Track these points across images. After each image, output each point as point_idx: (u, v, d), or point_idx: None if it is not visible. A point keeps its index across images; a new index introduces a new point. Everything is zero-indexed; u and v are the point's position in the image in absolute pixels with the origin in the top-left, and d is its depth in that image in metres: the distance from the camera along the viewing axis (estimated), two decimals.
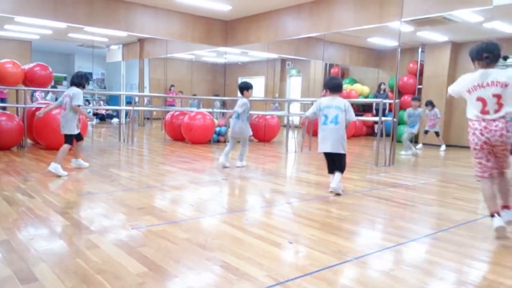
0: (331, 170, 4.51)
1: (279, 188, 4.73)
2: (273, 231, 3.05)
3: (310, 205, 3.92)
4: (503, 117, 2.98)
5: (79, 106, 5.10)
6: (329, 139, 4.33)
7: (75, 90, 5.13)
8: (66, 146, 5.09)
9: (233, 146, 5.99)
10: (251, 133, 6.11)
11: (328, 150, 4.37)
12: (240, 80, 16.50)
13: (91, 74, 14.83)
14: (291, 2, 8.61)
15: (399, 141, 8.45)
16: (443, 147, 9.83)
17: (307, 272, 2.31)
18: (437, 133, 9.71)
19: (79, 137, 5.34)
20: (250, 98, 6.00)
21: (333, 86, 4.47)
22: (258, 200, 4.17)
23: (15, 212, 3.28)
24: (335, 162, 4.44)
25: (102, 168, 5.55)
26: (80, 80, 5.26)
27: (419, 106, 8.61)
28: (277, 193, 4.36)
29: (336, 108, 4.34)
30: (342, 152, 4.37)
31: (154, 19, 9.33)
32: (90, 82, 5.37)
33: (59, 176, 4.80)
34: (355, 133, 12.70)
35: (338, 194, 4.32)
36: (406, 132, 8.49)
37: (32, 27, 10.72)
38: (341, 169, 4.44)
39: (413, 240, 2.98)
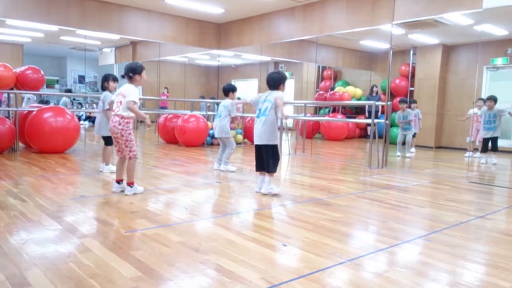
0: (258, 167, 4.47)
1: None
2: (267, 233, 3.05)
3: (304, 207, 3.93)
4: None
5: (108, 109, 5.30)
6: (258, 131, 4.34)
7: (104, 93, 5.44)
8: (107, 148, 5.43)
9: (223, 149, 5.94)
10: (230, 134, 5.85)
11: (257, 142, 4.38)
12: (234, 82, 16.52)
13: (83, 77, 14.76)
14: (284, 5, 8.64)
15: (392, 143, 8.51)
16: (413, 149, 9.20)
17: (301, 274, 2.31)
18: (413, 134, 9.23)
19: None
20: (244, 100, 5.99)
21: (268, 82, 4.40)
22: (252, 203, 4.17)
23: (7, 216, 3.26)
24: (264, 156, 4.37)
25: (95, 171, 5.52)
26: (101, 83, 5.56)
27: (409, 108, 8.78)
28: (271, 195, 4.36)
29: (268, 102, 4.31)
30: (269, 143, 4.31)
31: (147, 22, 9.31)
32: (115, 81, 5.51)
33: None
34: (348, 135, 12.75)
35: (274, 194, 4.35)
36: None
37: (24, 30, 10.64)
38: (269, 168, 4.34)
39: (406, 241, 3.00)
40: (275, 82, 4.36)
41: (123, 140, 4.10)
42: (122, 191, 4.25)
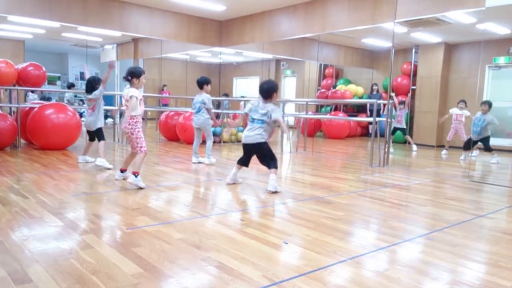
0: (240, 161, 4.71)
1: None
2: (268, 231, 3.06)
3: (305, 205, 3.93)
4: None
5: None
6: (249, 133, 4.52)
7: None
8: (100, 142, 5.83)
9: (198, 140, 6.38)
10: (211, 123, 6.29)
11: (246, 141, 4.57)
12: (236, 80, 16.53)
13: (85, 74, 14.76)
14: (285, 3, 8.62)
15: (394, 142, 8.50)
16: (415, 147, 9.67)
17: (302, 272, 2.32)
18: (403, 130, 9.54)
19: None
20: (249, 98, 6.13)
21: (260, 92, 4.57)
22: (253, 201, 4.17)
23: (9, 213, 3.26)
24: (261, 156, 4.57)
25: (97, 168, 5.52)
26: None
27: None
28: (272, 193, 4.36)
29: (263, 115, 4.47)
30: (259, 141, 4.47)
31: (148, 19, 9.30)
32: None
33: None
34: (350, 134, 12.73)
35: (275, 192, 4.40)
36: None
37: (25, 27, 10.64)
38: (270, 164, 4.48)
39: (407, 240, 3.00)
40: (268, 91, 4.51)
41: (134, 138, 4.49)
42: (124, 179, 4.65)
